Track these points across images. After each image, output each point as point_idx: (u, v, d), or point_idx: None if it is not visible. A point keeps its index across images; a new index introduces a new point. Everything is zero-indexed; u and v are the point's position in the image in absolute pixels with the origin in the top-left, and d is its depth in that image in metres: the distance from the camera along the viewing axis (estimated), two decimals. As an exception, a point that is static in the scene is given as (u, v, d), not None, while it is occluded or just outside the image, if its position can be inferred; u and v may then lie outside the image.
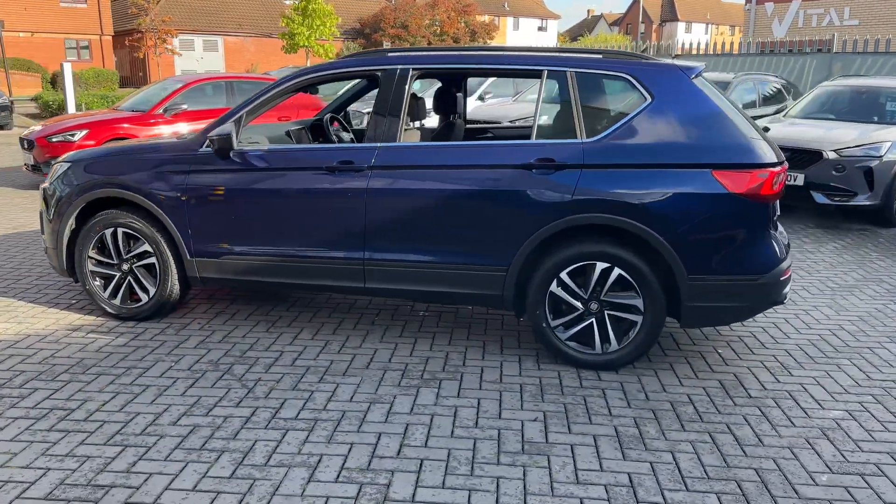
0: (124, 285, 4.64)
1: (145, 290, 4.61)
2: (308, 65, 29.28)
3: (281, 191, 4.28)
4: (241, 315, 4.80)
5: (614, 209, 3.84)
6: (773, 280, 3.87)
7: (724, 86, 10.37)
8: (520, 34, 62.77)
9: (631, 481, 2.95)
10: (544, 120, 4.31)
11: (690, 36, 40.91)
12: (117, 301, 4.66)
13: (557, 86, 4.10)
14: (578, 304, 3.98)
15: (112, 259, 4.62)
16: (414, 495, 2.81)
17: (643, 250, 3.89)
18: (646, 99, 3.91)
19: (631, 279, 3.89)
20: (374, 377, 3.88)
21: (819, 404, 3.68)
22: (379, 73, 4.27)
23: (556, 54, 4.27)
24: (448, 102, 5.04)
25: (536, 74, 4.14)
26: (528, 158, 3.95)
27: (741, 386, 3.87)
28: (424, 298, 4.33)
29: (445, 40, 45.09)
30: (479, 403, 3.60)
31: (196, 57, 41.24)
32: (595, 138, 3.93)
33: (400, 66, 4.23)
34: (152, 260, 4.54)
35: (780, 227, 4.43)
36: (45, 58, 35.68)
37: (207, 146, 4.34)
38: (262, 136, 4.82)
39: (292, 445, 3.16)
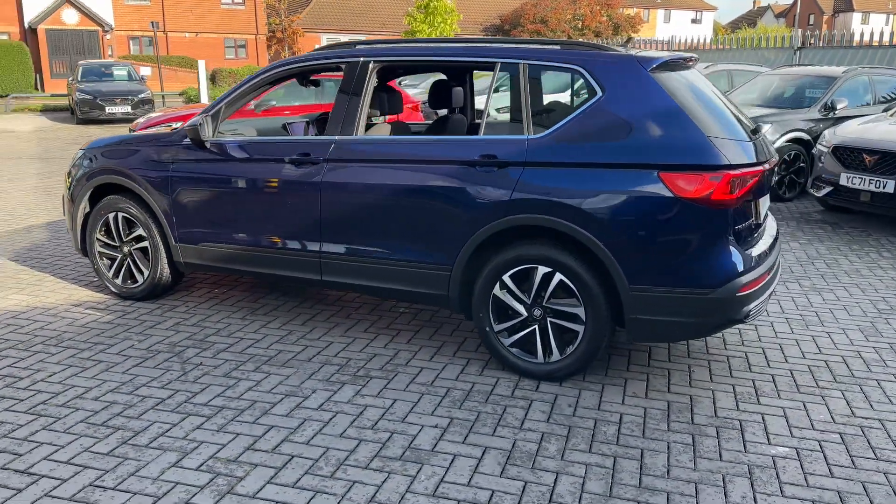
0: (124, 267, 4.96)
1: (140, 273, 4.90)
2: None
3: (247, 181, 4.38)
4: (230, 301, 4.98)
5: (553, 210, 3.60)
6: (727, 295, 3.46)
7: (828, 81, 9.40)
8: (671, 27, 60.12)
9: (489, 500, 2.76)
10: (495, 114, 4.10)
11: (868, 27, 37.41)
12: (119, 281, 4.99)
13: (509, 78, 3.90)
14: (522, 309, 3.77)
15: (115, 241, 4.95)
16: (259, 491, 2.79)
17: (584, 256, 3.61)
18: (596, 93, 3.63)
19: (572, 286, 3.63)
20: (308, 370, 3.89)
21: (768, 438, 3.25)
22: (343, 66, 4.26)
23: (510, 45, 4.05)
24: (444, 97, 4.94)
25: (490, 66, 3.96)
26: (472, 154, 3.79)
27: (689, 411, 3.51)
28: (377, 294, 4.27)
29: (586, 35, 44.11)
30: (392, 404, 3.51)
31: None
32: (540, 135, 3.69)
33: (361, 59, 4.19)
34: (146, 244, 4.82)
35: (769, 231, 3.98)
36: (207, 56, 38.77)
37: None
38: (252, 128, 4.95)
39: (183, 430, 3.24)
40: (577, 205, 3.55)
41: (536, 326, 3.76)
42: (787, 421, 3.41)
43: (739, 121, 3.86)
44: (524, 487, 2.84)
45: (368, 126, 4.57)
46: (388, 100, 4.46)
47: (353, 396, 3.59)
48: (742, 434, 3.29)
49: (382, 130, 4.55)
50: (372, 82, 4.17)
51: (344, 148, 4.12)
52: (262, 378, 3.79)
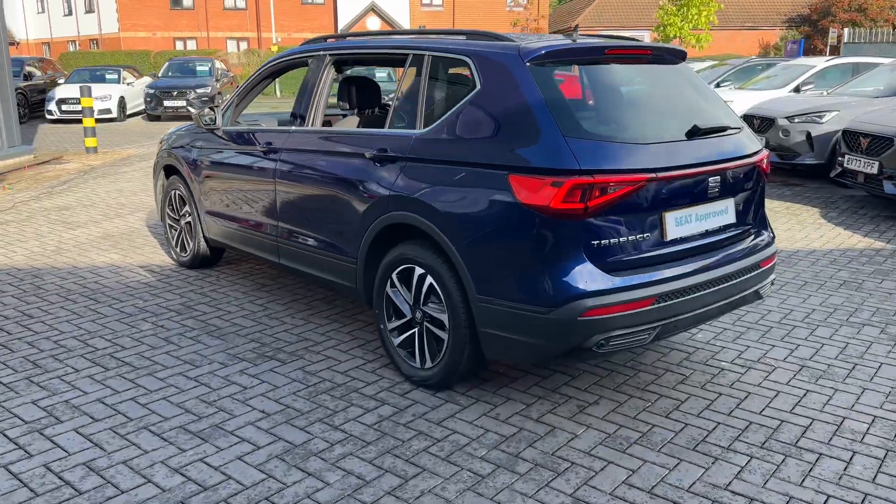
0: (181, 238, 5.70)
1: (188, 245, 5.60)
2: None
3: (236, 166, 4.78)
4: (256, 278, 5.45)
5: (420, 209, 3.40)
6: (567, 318, 2.96)
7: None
8: None
9: (254, 482, 2.78)
10: (402, 107, 3.90)
11: None
12: (177, 249, 5.75)
13: (415, 70, 3.73)
14: (407, 310, 3.63)
15: (176, 215, 5.71)
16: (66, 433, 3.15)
17: (447, 260, 3.36)
18: (475, 86, 3.34)
19: (439, 291, 3.40)
20: (231, 343, 4.16)
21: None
22: (308, 60, 4.42)
23: (420, 36, 3.84)
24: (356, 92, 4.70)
25: (403, 58, 3.83)
26: (372, 148, 3.73)
27: (539, 438, 3.09)
28: (314, 282, 4.38)
29: (915, 24, 37.47)
30: (256, 385, 3.64)
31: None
32: (425, 129, 3.51)
33: (319, 52, 4.32)
34: (190, 219, 5.50)
35: (718, 254, 3.33)
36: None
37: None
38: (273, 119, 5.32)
39: (78, 368, 3.73)
40: (437, 205, 3.32)
41: (416, 330, 3.59)
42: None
43: (669, 121, 3.28)
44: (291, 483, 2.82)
45: (345, 118, 4.69)
46: (357, 92, 4.51)
47: (232, 373, 3.79)
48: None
49: (350, 123, 4.61)
50: (329, 74, 4.28)
51: (292, 139, 4.30)
52: (188, 344, 4.15)
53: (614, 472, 2.89)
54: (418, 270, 3.48)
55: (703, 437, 3.17)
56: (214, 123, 4.91)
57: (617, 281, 3.02)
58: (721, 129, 3.51)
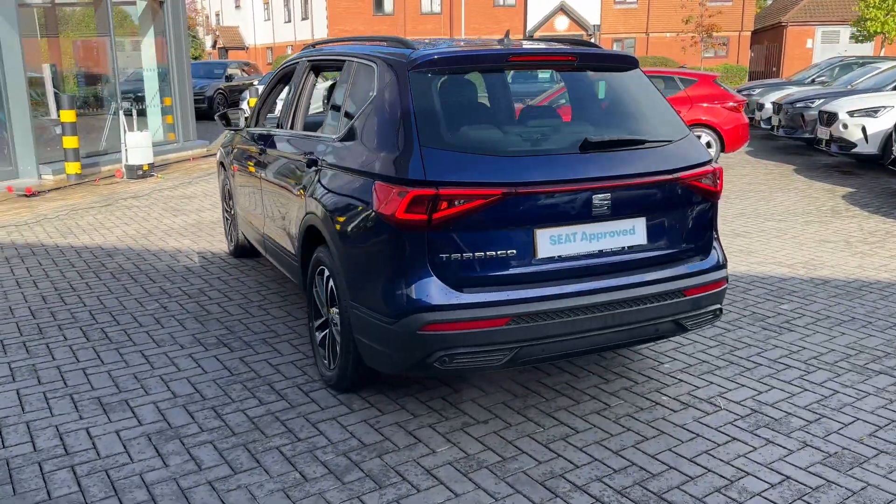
0: (230, 230, 6.20)
1: (233, 236, 6.09)
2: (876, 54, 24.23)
3: (248, 165, 5.12)
4: (279, 271, 5.79)
5: (320, 213, 3.48)
6: (407, 330, 2.89)
7: None
8: None
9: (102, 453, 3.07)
10: (332, 113, 3.93)
11: None
12: (227, 240, 6.28)
13: (343, 77, 3.79)
14: (324, 310, 3.72)
15: (228, 208, 6.24)
16: (2, 392, 3.64)
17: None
18: (373, 93, 3.34)
19: (336, 292, 3.46)
20: (208, 328, 4.50)
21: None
22: (295, 67, 4.63)
23: (352, 43, 3.85)
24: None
25: (341, 65, 3.88)
26: (304, 152, 3.87)
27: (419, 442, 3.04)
28: (286, 278, 4.57)
29: None
30: (192, 366, 3.92)
31: (839, 49, 38.10)
32: (338, 134, 3.57)
33: (299, 60, 4.52)
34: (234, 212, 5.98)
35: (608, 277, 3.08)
36: (683, 55, 38.70)
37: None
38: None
39: (69, 336, 4.26)
40: (328, 210, 3.39)
41: (328, 330, 3.67)
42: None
43: (556, 131, 3.08)
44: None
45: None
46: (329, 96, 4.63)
47: (181, 355, 4.10)
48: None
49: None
50: (308, 80, 4.46)
51: (270, 141, 4.55)
52: (171, 326, 4.56)
53: (436, 494, 2.78)
54: (326, 272, 3.56)
55: (565, 471, 2.93)
56: (237, 125, 5.29)
57: (464, 297, 2.90)
58: (633, 143, 3.20)
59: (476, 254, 2.92)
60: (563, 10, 37.89)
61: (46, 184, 9.99)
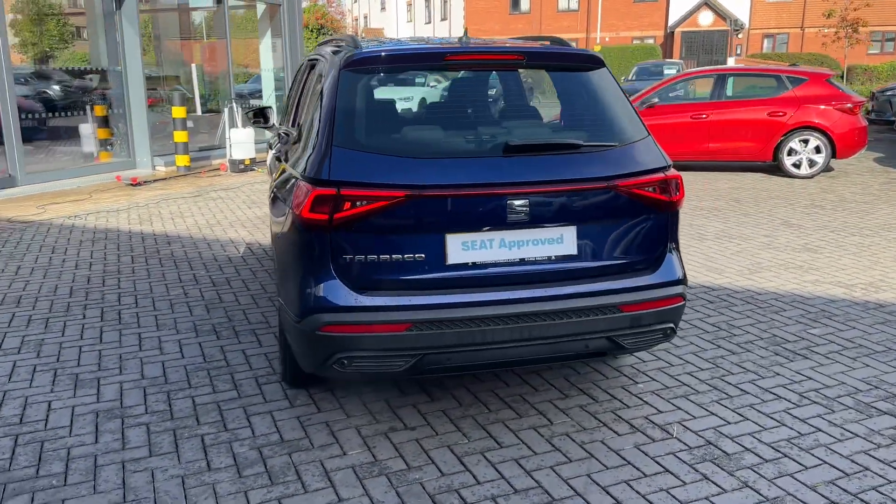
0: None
1: (272, 228, 6.34)
2: None
3: (274, 163, 5.30)
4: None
5: (270, 213, 3.54)
6: (309, 330, 2.87)
7: None
8: None
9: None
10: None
11: None
12: (272, 233, 6.54)
13: (316, 76, 3.81)
14: None
15: (273, 202, 6.49)
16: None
17: None
18: (317, 93, 3.36)
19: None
20: (206, 316, 4.71)
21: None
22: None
23: (326, 44, 3.83)
24: None
25: (315, 63, 3.91)
26: (277, 151, 3.95)
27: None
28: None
29: None
30: (159, 348, 4.12)
31: None
32: (292, 134, 3.62)
33: (309, 57, 4.61)
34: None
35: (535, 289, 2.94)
36: (844, 52, 35.56)
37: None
38: None
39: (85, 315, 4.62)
40: (270, 208, 3.46)
41: (286, 324, 3.73)
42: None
43: (473, 133, 2.97)
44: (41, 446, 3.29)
45: None
46: None
47: (171, 339, 4.32)
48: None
49: None
50: (307, 77, 4.54)
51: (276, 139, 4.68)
52: (181, 311, 4.81)
53: (319, 497, 2.76)
54: None
55: (464, 486, 2.81)
56: (265, 122, 5.47)
57: (364, 300, 2.85)
58: (565, 146, 3.00)
59: (381, 256, 2.86)
60: (707, 4, 36.01)
61: (158, 174, 10.86)
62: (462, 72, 3.31)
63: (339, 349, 2.86)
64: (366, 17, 58.76)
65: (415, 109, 3.38)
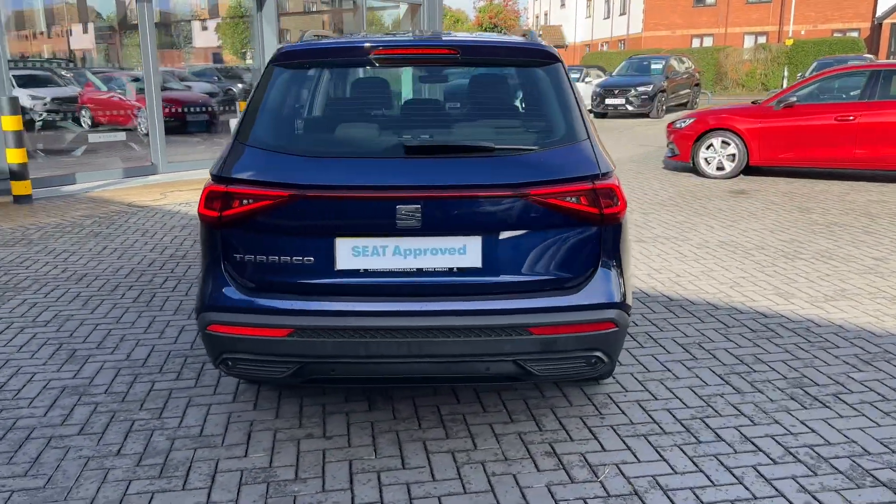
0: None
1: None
2: None
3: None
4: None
5: None
6: (201, 328, 2.86)
7: None
8: None
9: None
10: None
11: None
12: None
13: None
14: None
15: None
16: None
17: None
18: None
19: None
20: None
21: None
22: None
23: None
24: None
25: None
26: None
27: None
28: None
29: None
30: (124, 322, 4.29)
31: None
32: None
33: None
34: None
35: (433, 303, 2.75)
36: None
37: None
38: None
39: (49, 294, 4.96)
40: None
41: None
42: None
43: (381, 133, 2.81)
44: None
45: None
46: None
47: (150, 323, 4.50)
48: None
49: None
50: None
51: None
52: (174, 298, 5.01)
53: (187, 497, 2.73)
54: None
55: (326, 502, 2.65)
56: None
57: (247, 301, 2.77)
58: (476, 149, 2.73)
59: (270, 258, 2.77)
60: (925, -8, 31.71)
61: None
62: (393, 67, 3.11)
63: (224, 349, 2.81)
64: (546, 15, 58.33)
65: (335, 105, 3.24)
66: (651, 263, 5.77)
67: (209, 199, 2.78)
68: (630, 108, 19.60)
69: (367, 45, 2.97)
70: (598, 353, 2.77)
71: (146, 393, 3.58)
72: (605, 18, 46.78)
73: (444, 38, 3.09)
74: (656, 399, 3.46)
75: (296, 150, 2.84)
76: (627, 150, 13.61)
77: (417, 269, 2.73)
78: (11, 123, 8.11)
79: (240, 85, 13.42)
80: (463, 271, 2.73)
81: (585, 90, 21.61)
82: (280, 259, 2.76)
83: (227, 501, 2.70)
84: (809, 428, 3.17)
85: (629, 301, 2.86)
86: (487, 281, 2.74)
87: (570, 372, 2.82)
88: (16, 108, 8.17)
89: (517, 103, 3.06)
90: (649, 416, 3.30)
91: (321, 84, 3.29)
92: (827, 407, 3.36)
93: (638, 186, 9.49)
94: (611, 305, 2.77)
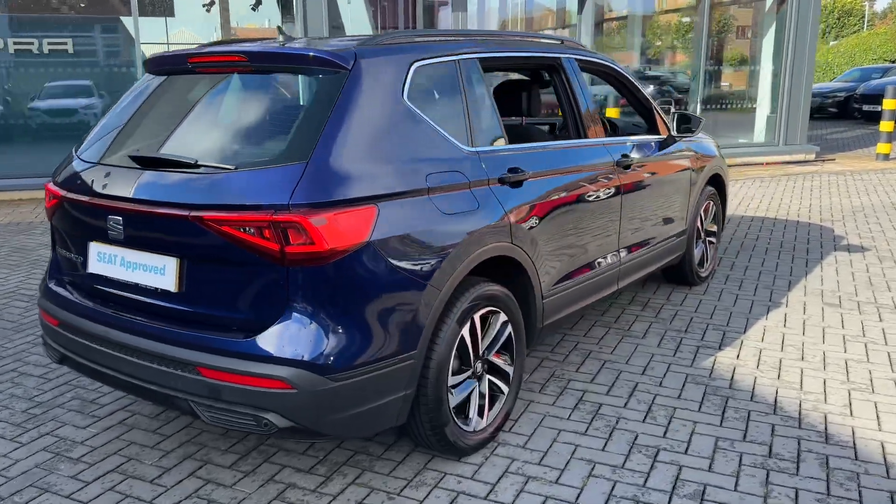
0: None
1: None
2: None
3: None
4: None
5: None
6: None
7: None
8: None
9: None
10: None
11: None
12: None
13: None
14: None
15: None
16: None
17: None
18: None
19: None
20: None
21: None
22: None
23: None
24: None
25: None
26: None
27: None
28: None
29: None
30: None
31: None
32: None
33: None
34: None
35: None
36: None
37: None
38: None
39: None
40: None
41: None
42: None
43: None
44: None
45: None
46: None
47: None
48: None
49: None
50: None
51: None
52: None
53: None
54: None
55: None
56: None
57: (51, 289, 2.98)
58: (180, 164, 2.54)
59: (62, 252, 2.96)
60: None
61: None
62: (202, 75, 2.92)
63: (44, 333, 3.02)
64: None
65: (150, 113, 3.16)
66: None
67: (48, 194, 3.01)
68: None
69: (184, 53, 2.93)
70: (271, 416, 2.30)
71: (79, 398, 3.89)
72: None
73: (237, 47, 2.88)
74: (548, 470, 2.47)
75: (83, 154, 2.94)
76: None
77: (135, 283, 2.62)
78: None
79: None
80: (162, 294, 2.56)
81: None
82: (66, 254, 2.93)
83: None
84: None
85: (334, 363, 2.31)
86: (180, 308, 2.51)
87: (240, 428, 2.42)
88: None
89: (279, 116, 2.69)
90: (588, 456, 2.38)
91: (147, 92, 3.23)
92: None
93: None
94: (289, 362, 2.29)
